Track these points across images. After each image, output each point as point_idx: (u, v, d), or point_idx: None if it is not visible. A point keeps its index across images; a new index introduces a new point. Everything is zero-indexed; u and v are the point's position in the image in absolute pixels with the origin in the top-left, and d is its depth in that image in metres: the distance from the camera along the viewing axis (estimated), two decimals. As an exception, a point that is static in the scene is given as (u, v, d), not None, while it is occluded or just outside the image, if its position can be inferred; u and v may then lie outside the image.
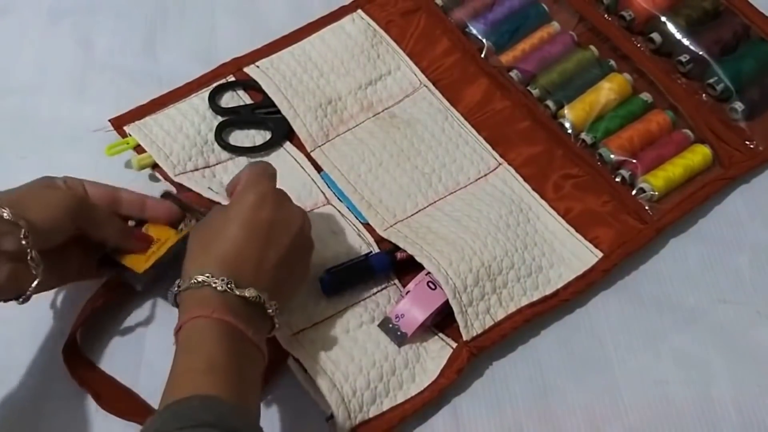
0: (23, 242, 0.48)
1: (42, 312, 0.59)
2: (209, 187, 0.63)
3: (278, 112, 0.67)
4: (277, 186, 0.54)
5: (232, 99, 0.69)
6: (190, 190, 0.63)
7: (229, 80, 0.70)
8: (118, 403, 0.56)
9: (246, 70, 0.70)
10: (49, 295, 0.59)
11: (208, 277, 0.46)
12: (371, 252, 0.61)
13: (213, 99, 0.68)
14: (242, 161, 0.66)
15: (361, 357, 0.56)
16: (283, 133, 0.67)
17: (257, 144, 0.67)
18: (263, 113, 0.68)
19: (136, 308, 0.61)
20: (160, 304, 0.61)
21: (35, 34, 0.75)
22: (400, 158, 0.66)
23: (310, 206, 0.63)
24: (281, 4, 0.77)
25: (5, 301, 0.51)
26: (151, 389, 0.57)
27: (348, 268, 0.59)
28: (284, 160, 0.66)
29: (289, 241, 0.50)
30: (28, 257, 0.49)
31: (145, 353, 0.59)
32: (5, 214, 0.47)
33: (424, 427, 0.56)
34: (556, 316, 0.61)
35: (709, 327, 0.60)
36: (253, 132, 0.68)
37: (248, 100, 0.69)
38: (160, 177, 0.65)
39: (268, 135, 0.67)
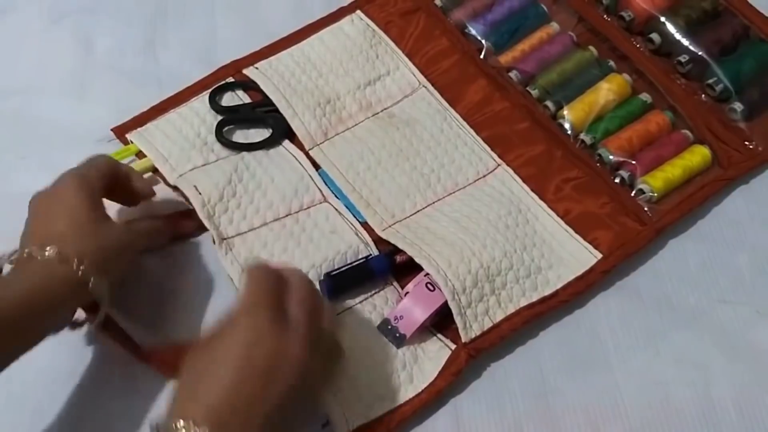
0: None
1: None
2: (195, 185, 0.62)
3: (278, 110, 0.67)
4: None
5: (232, 99, 0.69)
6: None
7: (229, 81, 0.70)
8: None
9: (245, 72, 0.70)
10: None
11: (189, 424, 0.41)
12: (371, 255, 0.61)
13: (213, 99, 0.68)
14: (242, 154, 0.66)
15: (358, 360, 0.56)
16: (283, 130, 0.67)
17: (255, 141, 0.67)
18: (263, 111, 0.68)
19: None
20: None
21: (35, 34, 0.75)
22: (399, 158, 0.66)
23: (308, 203, 0.63)
24: (281, 4, 0.77)
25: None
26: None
27: (348, 272, 0.59)
28: (283, 157, 0.66)
29: (293, 380, 0.44)
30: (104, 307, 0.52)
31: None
32: (91, 283, 0.49)
33: (423, 428, 0.56)
34: (556, 316, 0.61)
35: (709, 327, 0.60)
36: (252, 131, 0.68)
37: (248, 100, 0.69)
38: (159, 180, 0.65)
39: (267, 133, 0.67)
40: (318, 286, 0.59)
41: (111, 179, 0.55)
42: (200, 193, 0.62)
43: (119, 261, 0.53)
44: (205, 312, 0.60)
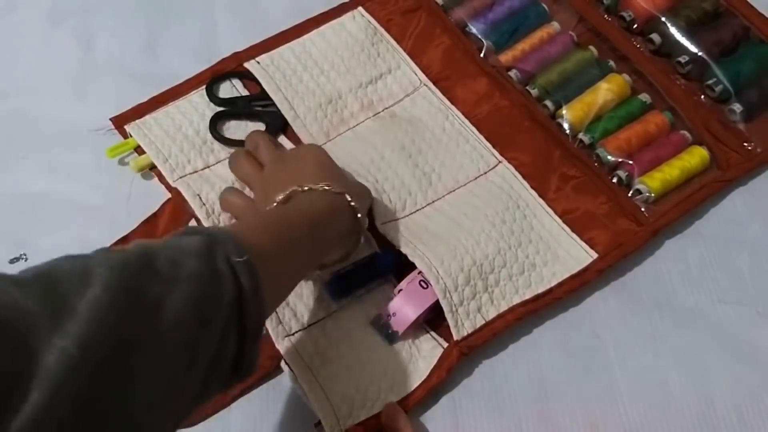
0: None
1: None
2: (198, 194, 0.62)
3: (274, 105, 0.68)
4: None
5: (230, 91, 0.70)
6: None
7: (227, 71, 0.70)
8: None
9: (246, 65, 0.70)
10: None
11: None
12: (376, 252, 0.61)
13: (210, 90, 0.68)
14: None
15: (352, 359, 0.56)
16: (278, 126, 0.67)
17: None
18: (260, 106, 0.68)
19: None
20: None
21: (36, 34, 0.75)
22: (402, 156, 0.66)
23: None
24: (282, 3, 0.77)
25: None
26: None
27: (354, 271, 0.59)
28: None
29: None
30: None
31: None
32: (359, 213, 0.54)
33: (422, 426, 0.56)
34: (556, 315, 0.61)
35: (709, 327, 0.60)
36: (248, 124, 0.68)
37: (245, 91, 0.70)
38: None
39: (263, 128, 0.68)
40: (324, 287, 0.59)
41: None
42: (204, 204, 0.62)
43: (365, 202, 0.59)
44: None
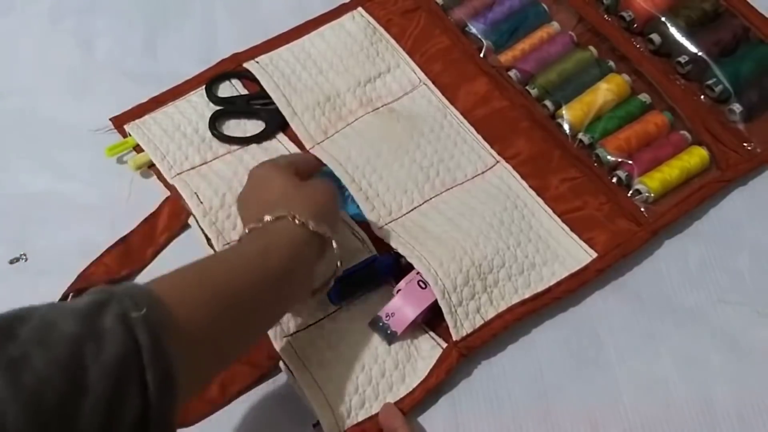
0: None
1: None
2: (195, 192, 0.63)
3: (273, 103, 0.68)
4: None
5: (229, 90, 0.70)
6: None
7: (226, 72, 0.70)
8: None
9: (246, 65, 0.70)
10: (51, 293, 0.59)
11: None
12: (376, 256, 0.61)
13: (210, 89, 0.69)
14: (239, 154, 0.66)
15: (351, 360, 0.56)
16: (276, 124, 0.68)
17: (249, 135, 0.67)
18: (258, 104, 0.69)
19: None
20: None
21: (35, 34, 0.75)
22: (399, 151, 0.65)
23: None
24: (282, 3, 0.77)
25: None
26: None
27: (353, 274, 0.59)
28: (280, 154, 0.66)
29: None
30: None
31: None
32: (327, 234, 0.51)
33: (422, 426, 0.56)
34: (556, 315, 0.61)
35: (709, 327, 0.60)
36: (246, 122, 0.68)
37: (244, 91, 0.70)
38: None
39: (261, 125, 0.68)
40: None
41: (293, 164, 0.57)
42: (202, 202, 0.62)
43: (332, 208, 0.55)
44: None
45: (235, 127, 0.68)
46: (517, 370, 0.58)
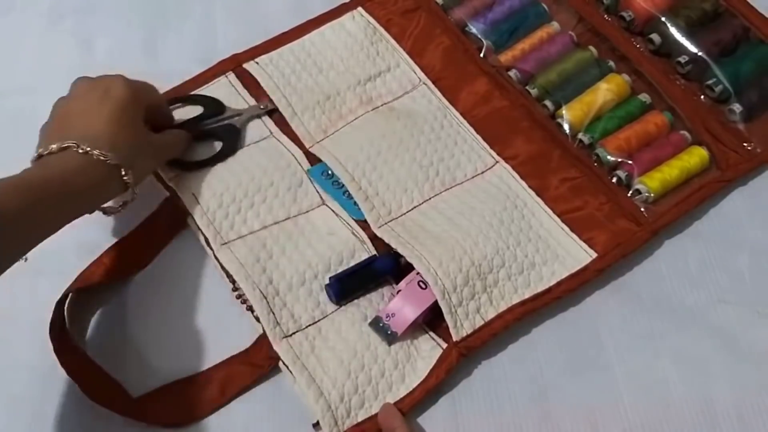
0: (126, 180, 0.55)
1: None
2: (193, 193, 0.63)
3: (225, 119, 0.66)
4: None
5: (229, 92, 0.69)
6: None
7: (193, 94, 0.69)
8: (97, 389, 0.55)
9: (245, 66, 0.70)
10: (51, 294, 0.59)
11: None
12: (376, 256, 0.61)
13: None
14: (237, 154, 0.66)
15: (350, 360, 0.56)
16: (235, 139, 0.66)
17: (206, 158, 0.65)
18: (210, 123, 0.66)
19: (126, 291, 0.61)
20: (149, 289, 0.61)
21: (35, 34, 0.75)
22: (399, 149, 0.65)
23: (306, 207, 0.63)
24: (282, 3, 0.77)
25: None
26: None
27: (353, 274, 0.59)
28: (281, 155, 0.66)
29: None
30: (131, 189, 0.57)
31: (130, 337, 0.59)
32: (110, 161, 0.54)
33: (421, 427, 0.56)
34: (556, 315, 0.61)
35: (709, 327, 0.60)
36: (203, 144, 0.66)
37: (244, 91, 0.69)
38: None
39: (219, 146, 0.66)
40: (324, 290, 0.59)
41: (156, 99, 0.62)
42: (199, 203, 0.62)
43: (148, 160, 0.59)
44: (197, 333, 0.60)
45: (203, 149, 0.66)
46: (516, 370, 0.58)
